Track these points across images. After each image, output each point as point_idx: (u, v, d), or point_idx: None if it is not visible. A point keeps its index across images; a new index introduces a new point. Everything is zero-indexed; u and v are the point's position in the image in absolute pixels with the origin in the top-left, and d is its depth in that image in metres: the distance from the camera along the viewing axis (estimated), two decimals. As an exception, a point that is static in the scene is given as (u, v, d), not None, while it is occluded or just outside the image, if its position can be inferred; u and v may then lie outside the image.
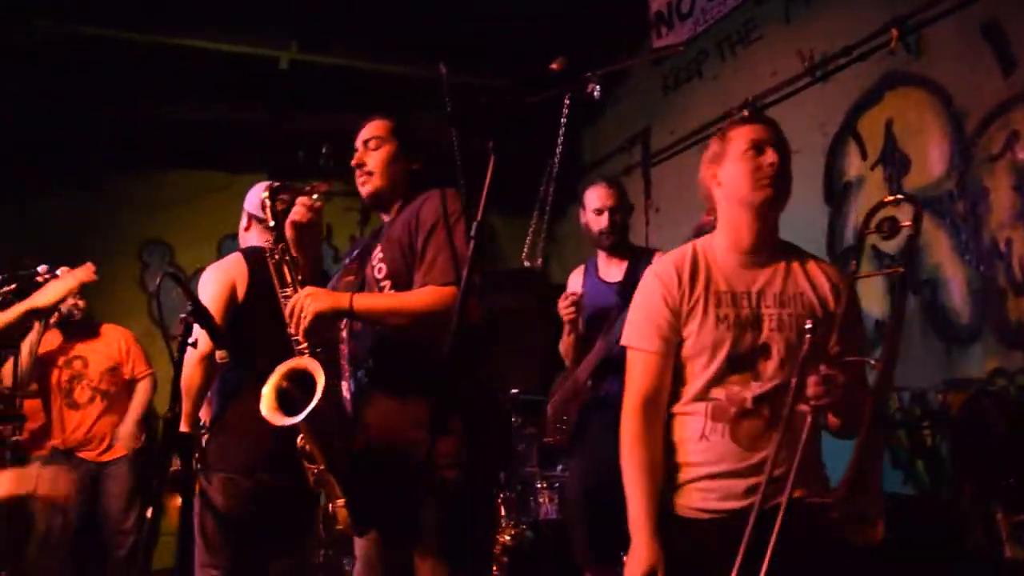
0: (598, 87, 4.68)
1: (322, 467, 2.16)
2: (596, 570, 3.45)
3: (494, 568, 3.51)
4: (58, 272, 2.98)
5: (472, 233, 1.63)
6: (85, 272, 2.49)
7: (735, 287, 2.13)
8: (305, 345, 2.19)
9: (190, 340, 1.94)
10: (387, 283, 2.33)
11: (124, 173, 6.33)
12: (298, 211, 2.40)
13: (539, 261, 6.71)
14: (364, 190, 2.46)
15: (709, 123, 5.19)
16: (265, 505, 2.58)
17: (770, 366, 2.07)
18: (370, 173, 2.45)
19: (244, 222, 3.28)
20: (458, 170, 5.51)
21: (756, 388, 2.06)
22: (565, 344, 3.65)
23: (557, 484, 4.07)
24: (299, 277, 2.32)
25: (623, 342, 2.23)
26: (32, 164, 5.94)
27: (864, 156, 4.16)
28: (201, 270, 6.47)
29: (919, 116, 3.86)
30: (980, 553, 3.30)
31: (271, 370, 2.04)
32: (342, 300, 2.21)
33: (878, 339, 4.01)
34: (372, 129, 2.48)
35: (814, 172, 4.42)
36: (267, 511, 2.59)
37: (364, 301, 2.24)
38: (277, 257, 2.33)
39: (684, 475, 2.11)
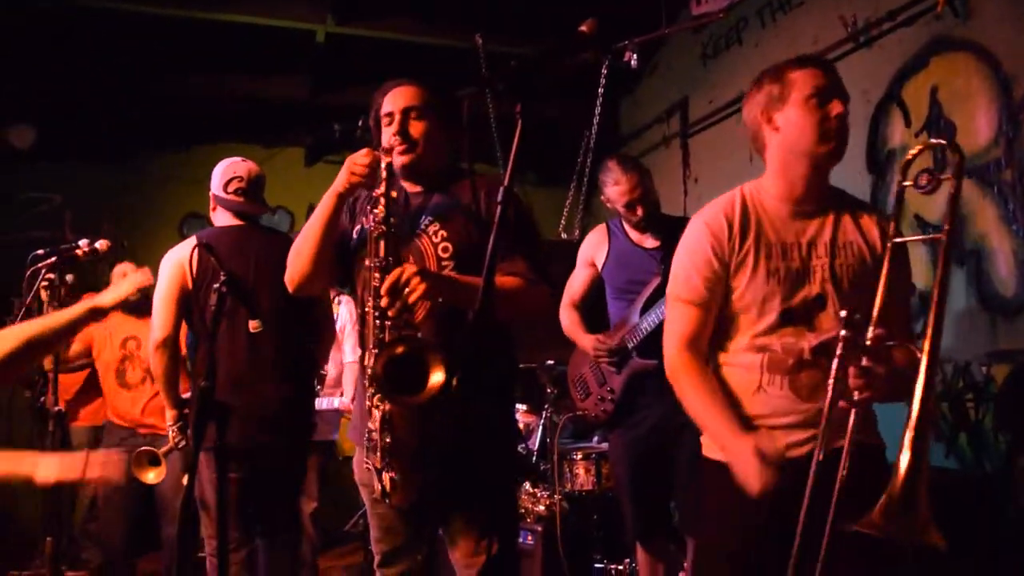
0: (635, 56, 4.65)
1: (395, 440, 2.18)
2: (649, 544, 3.44)
3: (529, 538, 3.53)
4: (97, 245, 3.02)
5: (499, 199, 1.59)
6: (144, 277, 2.55)
7: (785, 238, 2.09)
8: (390, 322, 2.14)
9: (224, 309, 1.96)
10: (451, 263, 2.32)
11: (163, 148, 6.40)
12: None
13: (576, 233, 6.69)
14: (401, 160, 2.35)
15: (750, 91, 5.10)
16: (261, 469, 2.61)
17: (825, 317, 2.03)
18: (414, 143, 2.35)
19: (211, 204, 3.35)
20: (495, 141, 5.52)
21: (813, 339, 2.03)
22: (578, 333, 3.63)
23: (593, 456, 4.07)
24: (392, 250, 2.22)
25: (668, 291, 2.20)
26: (73, 141, 6.04)
27: (908, 123, 4.07)
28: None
29: (966, 82, 3.76)
30: (1021, 527, 3.26)
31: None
32: (446, 285, 2.20)
33: (922, 310, 3.94)
34: (411, 97, 2.38)
35: (857, 140, 4.31)
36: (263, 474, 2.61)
37: (460, 292, 2.20)
38: (378, 229, 2.22)
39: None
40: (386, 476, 2.22)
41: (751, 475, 1.89)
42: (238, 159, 3.41)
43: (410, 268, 2.11)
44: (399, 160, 2.35)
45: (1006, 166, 3.54)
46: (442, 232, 2.34)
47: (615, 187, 3.47)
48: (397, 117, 2.36)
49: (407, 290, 2.07)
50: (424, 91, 2.39)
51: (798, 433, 2.01)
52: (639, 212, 3.45)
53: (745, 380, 2.09)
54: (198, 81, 6.08)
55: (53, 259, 3.01)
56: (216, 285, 1.93)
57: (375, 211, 2.21)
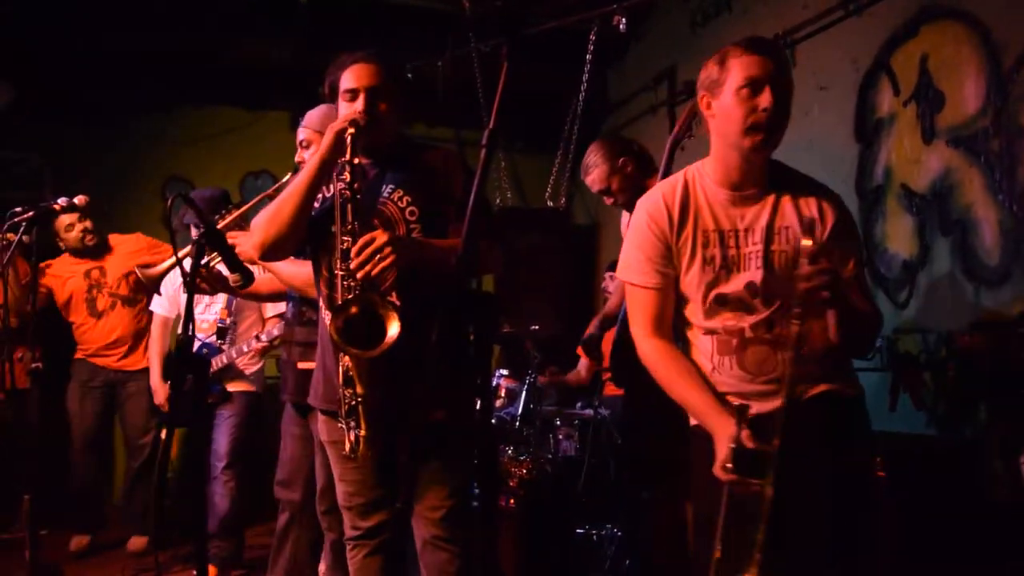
0: (624, 20, 4.61)
1: (360, 396, 2.26)
2: None
3: (511, 500, 3.53)
4: (76, 200, 2.99)
5: (483, 141, 1.59)
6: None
7: (723, 225, 2.13)
8: (356, 283, 2.22)
9: (202, 262, 1.94)
10: (418, 226, 2.41)
11: (147, 110, 6.31)
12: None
13: (562, 201, 6.68)
14: (366, 136, 2.38)
15: (738, 59, 5.07)
16: None
17: (759, 302, 2.08)
18: (378, 121, 2.40)
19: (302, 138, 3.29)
20: (481, 104, 5.46)
21: (751, 319, 2.08)
22: None
23: (576, 421, 4.08)
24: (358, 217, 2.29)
25: (618, 275, 2.27)
26: (55, 102, 5.94)
27: (897, 92, 4.05)
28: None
29: (955, 51, 3.74)
30: (1000, 494, 3.28)
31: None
32: (420, 252, 2.29)
33: (906, 279, 3.95)
34: (374, 75, 2.43)
35: (845, 108, 4.32)
36: None
37: (434, 253, 2.31)
38: (345, 195, 2.28)
39: None
40: (353, 433, 2.29)
41: (723, 444, 1.98)
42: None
43: (382, 236, 2.20)
44: (362, 137, 2.39)
45: (993, 136, 3.53)
46: (407, 197, 2.43)
47: (585, 177, 3.53)
48: (362, 96, 2.41)
49: (378, 256, 2.18)
50: (385, 69, 2.45)
51: (762, 400, 2.07)
52: (610, 202, 3.51)
53: (703, 358, 2.17)
54: (181, 41, 5.98)
55: (31, 214, 2.97)
56: (195, 237, 1.91)
57: (341, 177, 2.28)
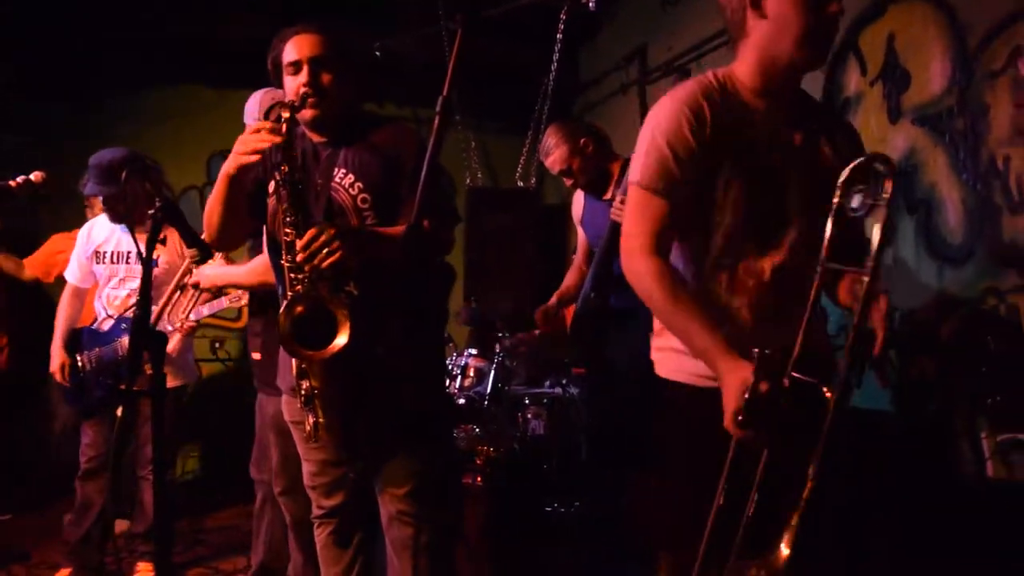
0: (593, -1, 4.59)
1: (317, 388, 2.24)
2: None
3: (478, 478, 3.54)
4: (32, 177, 2.93)
5: (438, 108, 1.57)
6: None
7: (757, 136, 1.89)
8: (304, 276, 2.17)
9: (159, 237, 1.91)
10: (371, 213, 2.35)
11: (111, 88, 6.20)
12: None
13: (532, 181, 6.67)
14: (312, 112, 2.32)
15: (708, 38, 5.06)
16: None
17: (790, 234, 1.90)
18: (324, 94, 2.31)
19: None
20: (449, 82, 5.40)
21: (775, 258, 1.90)
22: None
23: (545, 400, 4.09)
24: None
25: (631, 179, 1.95)
26: (17, 79, 5.82)
27: (864, 72, 4.06)
28: (190, 188, 6.43)
29: (922, 30, 3.75)
30: (965, 472, 3.33)
31: None
32: (369, 243, 2.24)
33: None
34: (317, 45, 2.32)
35: (813, 88, 4.30)
36: None
37: (381, 247, 2.24)
38: (284, 187, 2.23)
39: (669, 338, 1.98)
40: (311, 419, 2.29)
41: (733, 389, 1.73)
42: (270, 89, 3.21)
43: (328, 230, 2.13)
44: (309, 112, 2.32)
45: (958, 115, 3.55)
46: (358, 184, 2.35)
47: (546, 158, 3.54)
48: (305, 67, 2.30)
49: (325, 251, 2.11)
50: (329, 38, 2.35)
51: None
52: (570, 183, 3.53)
53: (711, 298, 1.93)
54: (147, 19, 5.88)
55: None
56: (151, 211, 1.88)
57: (280, 168, 2.21)
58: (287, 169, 2.20)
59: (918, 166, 3.73)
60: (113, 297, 4.03)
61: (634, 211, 1.92)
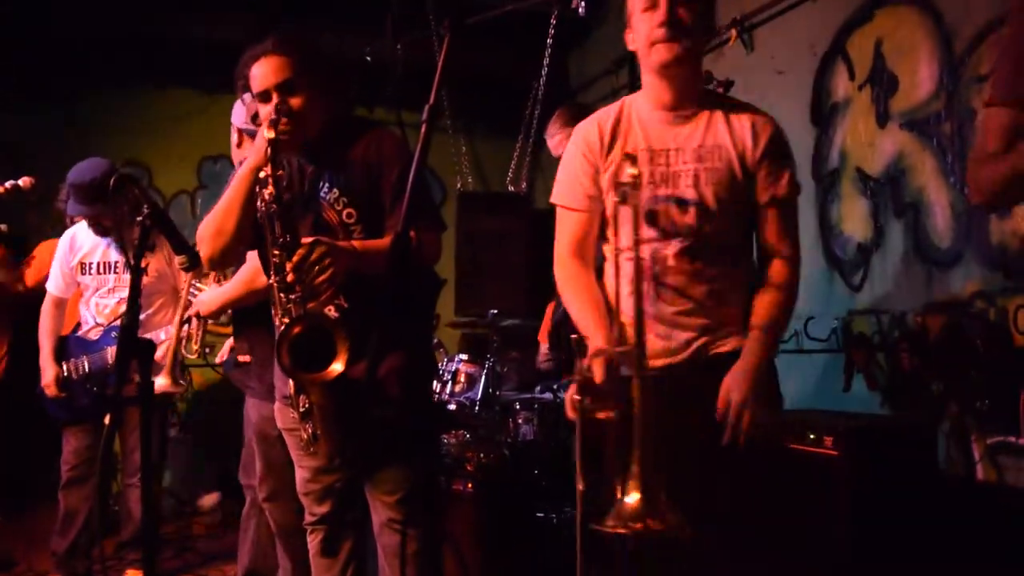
0: (583, 3, 4.59)
1: (315, 402, 2.23)
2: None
3: (468, 484, 3.53)
4: (20, 182, 2.91)
5: (424, 117, 1.56)
6: None
7: (654, 144, 2.13)
8: (297, 295, 2.15)
9: (147, 244, 1.90)
10: (358, 227, 2.35)
11: (102, 92, 6.17)
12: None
13: (523, 186, 6.66)
14: (288, 137, 2.27)
15: (697, 44, 5.08)
16: None
17: (687, 221, 2.09)
18: (296, 118, 2.27)
19: (235, 138, 3.22)
20: (435, 89, 5.38)
21: (676, 244, 2.09)
22: None
23: (536, 406, 4.08)
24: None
25: (552, 199, 2.27)
26: (6, 83, 5.79)
27: (852, 76, 4.08)
28: (180, 193, 6.41)
29: (909, 35, 3.77)
30: (955, 474, 3.34)
31: None
32: (358, 258, 2.22)
33: (860, 261, 3.99)
34: (280, 70, 2.27)
35: (802, 93, 4.34)
36: None
37: (369, 260, 2.23)
38: (270, 209, 2.20)
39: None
40: (309, 428, 2.27)
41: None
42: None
43: (320, 248, 2.13)
44: (285, 137, 2.28)
45: (945, 119, 3.57)
46: (343, 198, 2.34)
47: (551, 140, 3.50)
48: (274, 96, 2.27)
49: (316, 268, 2.11)
50: (291, 59, 2.29)
51: (666, 342, 2.10)
52: None
53: (622, 283, 2.14)
54: (141, 23, 5.86)
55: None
56: (139, 218, 1.88)
57: (264, 191, 2.18)
58: (273, 191, 2.18)
59: (906, 170, 3.75)
60: (103, 306, 4.01)
61: (558, 224, 2.29)
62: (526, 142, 6.30)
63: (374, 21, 5.55)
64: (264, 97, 2.29)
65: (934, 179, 3.63)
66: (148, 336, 3.72)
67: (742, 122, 2.12)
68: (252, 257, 2.70)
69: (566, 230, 2.23)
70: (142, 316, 3.82)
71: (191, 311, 3.31)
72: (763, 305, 2.13)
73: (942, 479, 3.29)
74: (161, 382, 3.48)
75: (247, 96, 2.72)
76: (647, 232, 2.10)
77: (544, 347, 4.97)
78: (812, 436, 3.06)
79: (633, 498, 1.71)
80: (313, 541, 2.54)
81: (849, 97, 4.10)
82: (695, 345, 2.11)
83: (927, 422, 3.48)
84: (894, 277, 3.79)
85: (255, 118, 2.36)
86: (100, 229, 3.93)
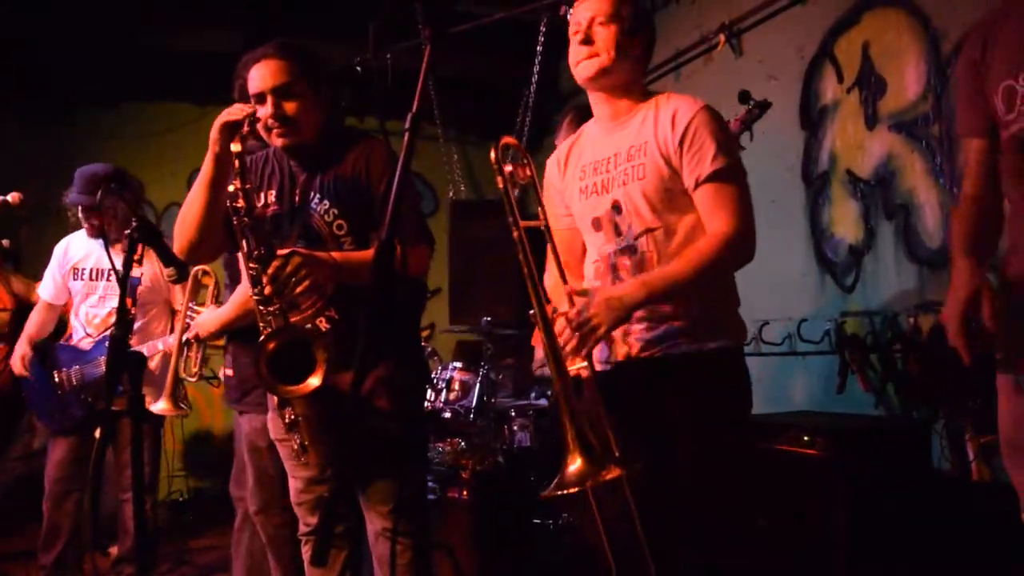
0: (570, 10, 4.60)
1: (299, 414, 2.22)
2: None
3: (464, 492, 3.53)
4: (9, 198, 2.91)
5: (407, 125, 1.56)
6: None
7: (599, 155, 2.26)
8: (276, 307, 2.15)
9: (135, 256, 1.90)
10: (348, 239, 2.34)
11: (93, 105, 6.18)
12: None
13: (516, 193, 6.67)
14: (282, 142, 2.30)
15: (685, 49, 5.10)
16: None
17: (624, 222, 2.18)
18: (292, 124, 2.29)
19: None
20: (432, 99, 5.41)
21: (619, 243, 2.19)
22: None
23: (531, 412, 4.07)
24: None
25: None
26: (-1, 97, 5.80)
27: (840, 79, 4.09)
28: (172, 205, 6.40)
29: (897, 38, 3.79)
30: (949, 474, 3.34)
31: None
32: (333, 269, 2.22)
33: (852, 263, 4.00)
34: (279, 74, 2.29)
35: (790, 96, 4.36)
36: None
37: (350, 272, 2.24)
38: (242, 223, 2.19)
39: None
40: (297, 439, 2.26)
41: None
42: None
43: (295, 259, 2.12)
44: (279, 141, 2.31)
45: (934, 121, 3.59)
46: (333, 210, 2.34)
47: (557, 140, 3.45)
48: (270, 99, 2.28)
49: (292, 280, 2.10)
50: (290, 63, 2.31)
51: (617, 337, 2.16)
52: None
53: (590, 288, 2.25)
54: (132, 36, 5.86)
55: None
56: (127, 231, 1.88)
57: (235, 204, 2.17)
58: (243, 205, 2.17)
59: (896, 172, 3.76)
60: (93, 315, 3.98)
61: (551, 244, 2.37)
62: (517, 149, 6.29)
63: (364, 32, 5.57)
64: (260, 99, 2.29)
65: (924, 180, 3.64)
66: (144, 347, 3.75)
67: (667, 112, 2.14)
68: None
69: (555, 250, 2.25)
70: (137, 324, 3.80)
71: (190, 334, 3.30)
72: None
73: (937, 479, 3.30)
74: (162, 406, 3.46)
75: None
76: (597, 239, 2.24)
77: (539, 353, 4.97)
78: (807, 438, 3.07)
79: (576, 463, 1.86)
80: (308, 552, 2.53)
81: (838, 100, 4.11)
82: (642, 344, 2.14)
83: (921, 422, 3.49)
84: (886, 278, 3.80)
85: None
86: (91, 229, 3.91)
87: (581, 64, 2.17)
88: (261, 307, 2.16)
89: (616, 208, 2.18)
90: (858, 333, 3.88)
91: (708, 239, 2.08)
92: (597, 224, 2.23)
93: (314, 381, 2.06)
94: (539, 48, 5.57)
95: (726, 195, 2.09)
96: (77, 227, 4.09)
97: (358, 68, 5.42)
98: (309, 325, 2.25)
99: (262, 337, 2.14)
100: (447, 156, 6.71)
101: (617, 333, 2.12)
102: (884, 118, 3.83)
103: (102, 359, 3.83)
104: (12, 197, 2.97)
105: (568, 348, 1.98)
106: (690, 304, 2.11)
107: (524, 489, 3.82)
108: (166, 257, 2.03)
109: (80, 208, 3.91)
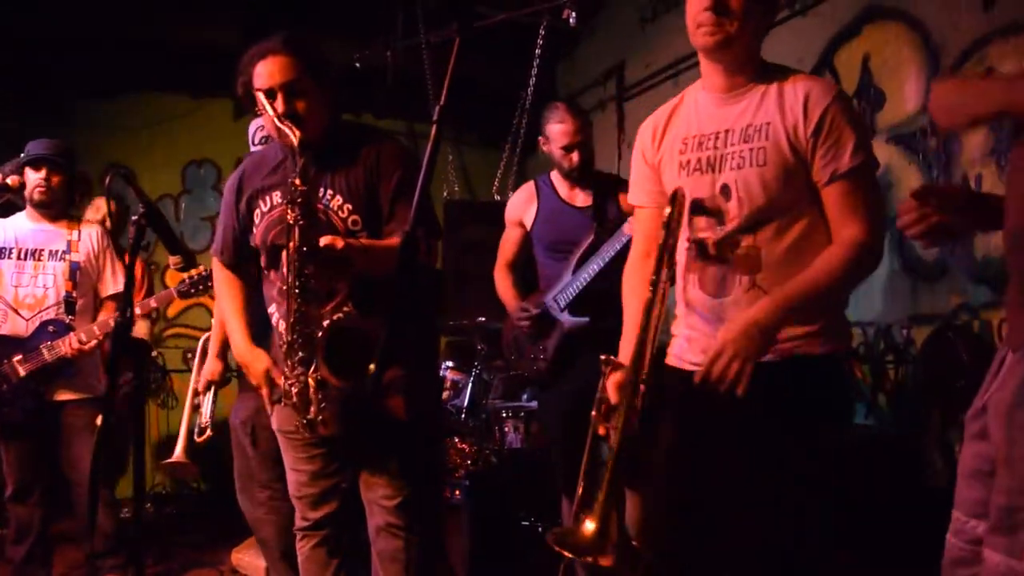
0: (573, 14, 4.62)
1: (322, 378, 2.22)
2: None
3: (456, 492, 3.52)
4: (9, 181, 2.89)
5: (435, 117, 1.55)
6: None
7: (705, 129, 2.03)
8: (306, 278, 2.18)
9: (142, 243, 1.89)
10: (364, 234, 2.34)
11: (87, 96, 6.12)
12: None
13: (510, 195, 6.67)
14: (291, 138, 2.27)
15: (684, 57, 5.11)
16: None
17: (732, 207, 1.97)
18: (302, 120, 2.27)
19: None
20: (430, 97, 5.42)
21: (720, 232, 1.98)
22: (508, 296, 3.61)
23: (522, 414, 4.07)
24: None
25: (629, 200, 2.25)
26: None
27: (839, 91, 4.11)
28: (165, 197, 6.36)
29: (896, 51, 3.82)
30: (939, 486, 3.36)
31: None
32: (365, 255, 2.24)
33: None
34: (286, 70, 2.27)
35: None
36: None
37: (379, 259, 2.25)
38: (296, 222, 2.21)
39: (675, 325, 2.15)
40: (313, 410, 2.25)
41: None
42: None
43: (338, 240, 2.16)
44: (290, 138, 2.29)
45: (931, 134, 3.61)
46: (347, 205, 2.35)
47: (558, 125, 3.38)
48: (280, 95, 2.27)
49: (335, 266, 2.18)
50: (299, 58, 2.30)
51: (710, 337, 1.97)
52: (575, 158, 3.37)
53: (679, 281, 2.09)
54: (126, 27, 5.83)
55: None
56: (135, 217, 1.86)
57: (294, 205, 2.19)
58: (300, 208, 2.19)
59: (892, 184, 3.78)
60: (24, 295, 3.63)
61: (635, 224, 2.27)
62: (513, 152, 6.31)
63: (362, 29, 5.57)
64: (270, 95, 2.28)
65: (920, 193, 3.65)
66: (83, 332, 3.53)
67: (796, 93, 1.92)
68: (219, 297, 2.61)
69: (637, 232, 2.19)
70: (77, 306, 3.65)
71: (201, 383, 3.32)
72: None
73: (927, 490, 3.31)
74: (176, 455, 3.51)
75: (257, 120, 2.74)
76: (697, 223, 2.01)
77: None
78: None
79: (589, 527, 1.75)
80: (305, 547, 2.52)
81: (836, 111, 4.12)
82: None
83: (912, 434, 3.51)
84: (880, 290, 3.82)
85: (266, 140, 2.38)
86: (46, 191, 3.63)
87: (702, 30, 1.94)
88: (298, 298, 2.19)
89: (725, 192, 1.96)
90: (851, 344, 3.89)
91: (844, 248, 1.90)
92: (697, 206, 2.00)
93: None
94: (538, 51, 5.59)
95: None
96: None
97: (356, 65, 5.42)
98: (327, 322, 2.23)
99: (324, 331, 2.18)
100: (442, 156, 6.71)
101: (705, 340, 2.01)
102: (882, 130, 3.85)
103: (43, 345, 3.54)
104: (12, 180, 2.92)
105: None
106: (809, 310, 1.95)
107: (515, 490, 3.83)
108: (172, 245, 2.01)
109: (46, 166, 3.64)
